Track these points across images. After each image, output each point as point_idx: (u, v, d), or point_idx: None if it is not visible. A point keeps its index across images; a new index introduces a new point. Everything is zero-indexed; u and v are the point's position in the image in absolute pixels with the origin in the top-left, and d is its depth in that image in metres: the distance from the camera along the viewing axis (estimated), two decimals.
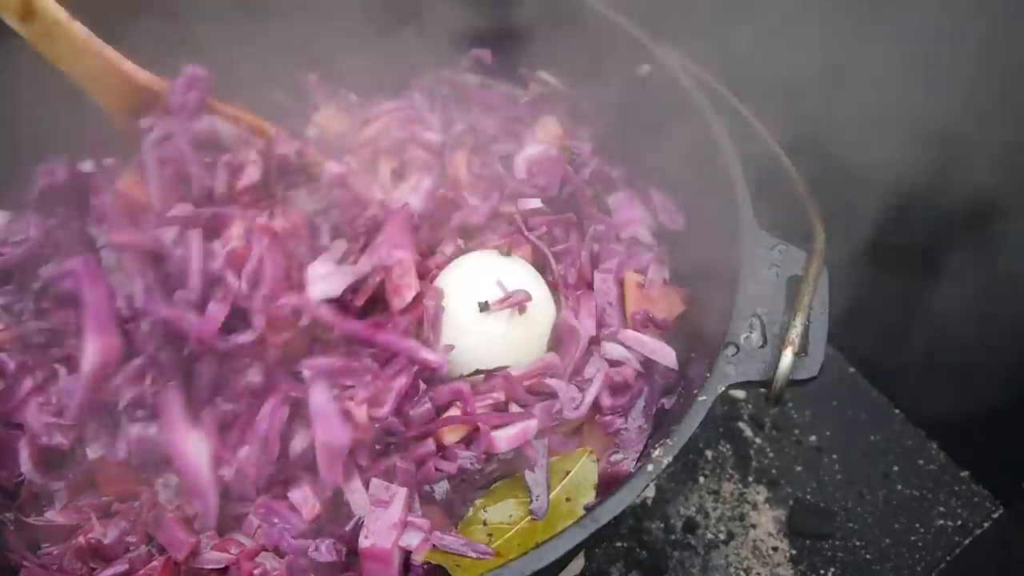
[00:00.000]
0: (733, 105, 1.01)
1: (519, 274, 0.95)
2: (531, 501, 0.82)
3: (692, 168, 0.99)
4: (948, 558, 1.18)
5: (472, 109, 1.20)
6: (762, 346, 0.79)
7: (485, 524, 0.81)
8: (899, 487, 1.24)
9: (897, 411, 1.31)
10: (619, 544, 1.13)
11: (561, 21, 1.12)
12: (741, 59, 1.05)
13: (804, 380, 0.77)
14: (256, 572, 0.78)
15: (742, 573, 1.14)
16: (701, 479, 1.22)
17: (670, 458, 0.71)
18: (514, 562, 0.63)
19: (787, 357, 0.75)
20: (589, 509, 0.70)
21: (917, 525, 1.20)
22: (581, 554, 1.09)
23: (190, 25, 1.07)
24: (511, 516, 0.82)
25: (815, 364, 0.78)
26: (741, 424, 1.28)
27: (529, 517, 0.81)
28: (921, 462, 1.27)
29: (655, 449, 0.72)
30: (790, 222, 0.91)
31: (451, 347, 0.89)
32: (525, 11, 1.15)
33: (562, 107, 1.17)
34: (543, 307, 0.95)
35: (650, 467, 0.71)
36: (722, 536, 1.17)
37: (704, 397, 0.74)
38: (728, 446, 1.25)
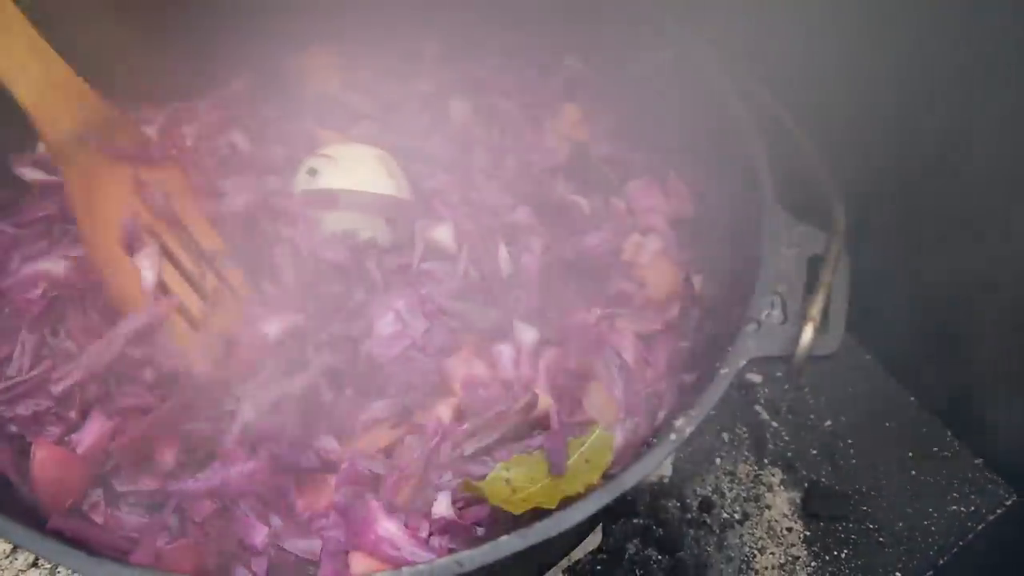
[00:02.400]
0: (754, 90, 1.02)
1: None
2: (549, 464, 0.84)
3: (713, 150, 1.01)
4: (961, 543, 1.19)
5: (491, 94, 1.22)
6: (783, 323, 0.80)
7: (508, 482, 0.83)
8: (913, 473, 1.25)
9: (912, 399, 1.33)
10: (636, 521, 1.15)
11: (587, 6, 1.14)
12: (763, 45, 1.07)
13: (824, 356, 0.79)
14: None
15: (756, 552, 1.15)
16: (717, 460, 1.23)
17: (692, 428, 0.73)
18: (543, 521, 0.66)
19: (808, 332, 0.76)
20: (613, 475, 0.72)
21: (931, 510, 1.22)
22: (599, 529, 1.11)
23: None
24: (532, 478, 0.84)
25: (835, 341, 0.80)
26: (758, 408, 1.29)
27: (550, 478, 0.83)
28: (935, 449, 1.28)
29: (678, 419, 0.74)
30: (809, 205, 0.93)
31: None
32: None
33: (586, 93, 1.19)
34: None
35: (673, 436, 0.73)
36: (737, 516, 1.18)
37: (726, 370, 0.76)
38: (744, 429, 1.27)
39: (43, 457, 0.79)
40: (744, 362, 0.78)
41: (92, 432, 0.83)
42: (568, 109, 1.17)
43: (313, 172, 1.05)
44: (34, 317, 0.89)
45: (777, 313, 0.81)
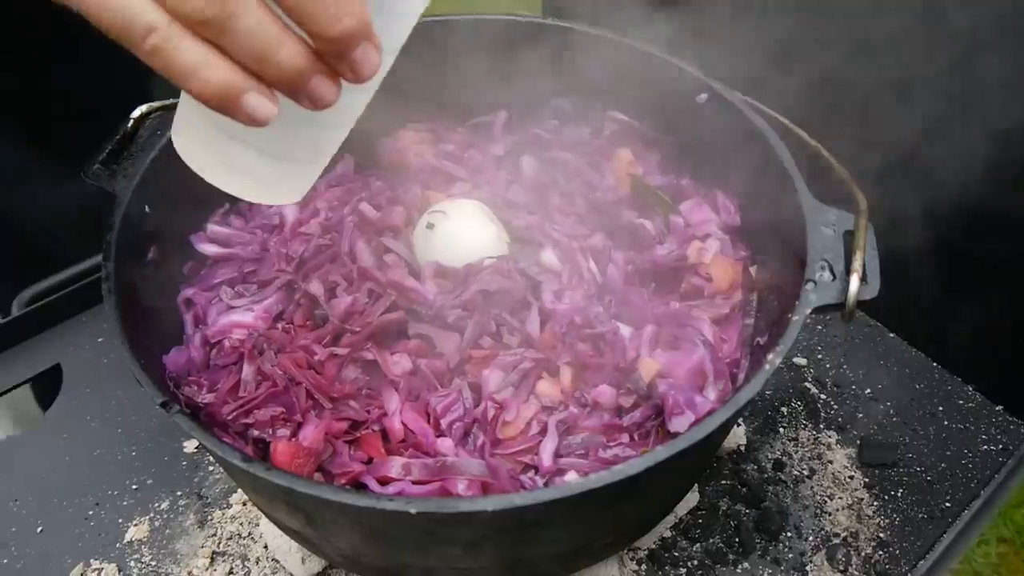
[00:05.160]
0: (774, 115, 1.29)
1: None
2: None
3: (749, 167, 1.26)
4: (996, 475, 1.41)
5: (553, 150, 1.49)
6: (833, 280, 1.04)
7: None
8: (945, 423, 1.48)
9: (935, 364, 1.56)
10: (724, 482, 1.37)
11: (628, 70, 1.41)
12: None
13: (869, 300, 1.03)
14: None
15: (827, 499, 1.37)
16: (781, 430, 1.46)
17: (779, 360, 0.96)
18: (687, 432, 0.89)
19: (855, 282, 1.00)
20: (726, 400, 0.95)
21: (965, 451, 1.43)
22: (696, 488, 1.33)
23: None
24: None
25: (875, 288, 1.03)
26: (807, 384, 1.53)
27: None
28: (961, 402, 1.51)
29: (768, 354, 0.97)
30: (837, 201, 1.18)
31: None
32: (598, 67, 1.43)
33: (633, 139, 1.45)
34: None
35: (767, 366, 0.96)
36: (806, 472, 1.40)
37: (797, 316, 1.00)
38: (799, 403, 1.50)
39: (281, 449, 1.01)
40: (809, 310, 1.01)
41: (310, 430, 1.06)
42: (621, 153, 1.44)
43: (431, 226, 1.30)
44: (247, 352, 1.12)
45: (827, 274, 1.05)
